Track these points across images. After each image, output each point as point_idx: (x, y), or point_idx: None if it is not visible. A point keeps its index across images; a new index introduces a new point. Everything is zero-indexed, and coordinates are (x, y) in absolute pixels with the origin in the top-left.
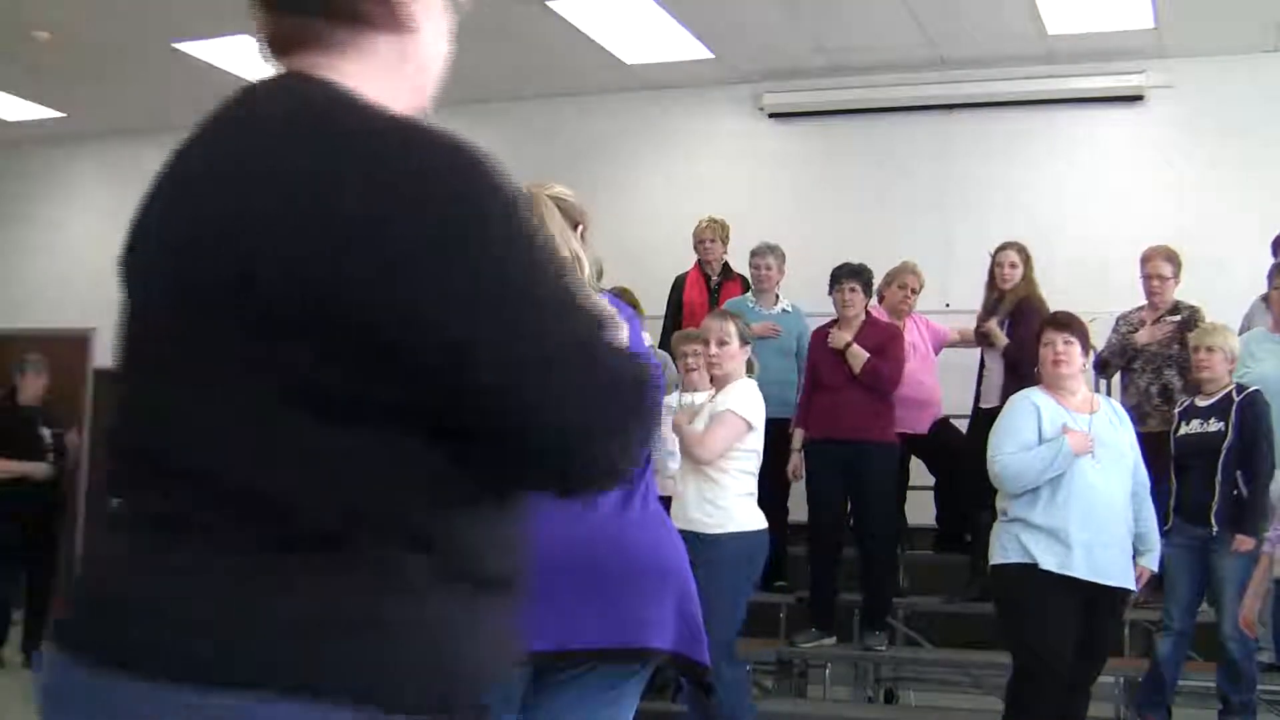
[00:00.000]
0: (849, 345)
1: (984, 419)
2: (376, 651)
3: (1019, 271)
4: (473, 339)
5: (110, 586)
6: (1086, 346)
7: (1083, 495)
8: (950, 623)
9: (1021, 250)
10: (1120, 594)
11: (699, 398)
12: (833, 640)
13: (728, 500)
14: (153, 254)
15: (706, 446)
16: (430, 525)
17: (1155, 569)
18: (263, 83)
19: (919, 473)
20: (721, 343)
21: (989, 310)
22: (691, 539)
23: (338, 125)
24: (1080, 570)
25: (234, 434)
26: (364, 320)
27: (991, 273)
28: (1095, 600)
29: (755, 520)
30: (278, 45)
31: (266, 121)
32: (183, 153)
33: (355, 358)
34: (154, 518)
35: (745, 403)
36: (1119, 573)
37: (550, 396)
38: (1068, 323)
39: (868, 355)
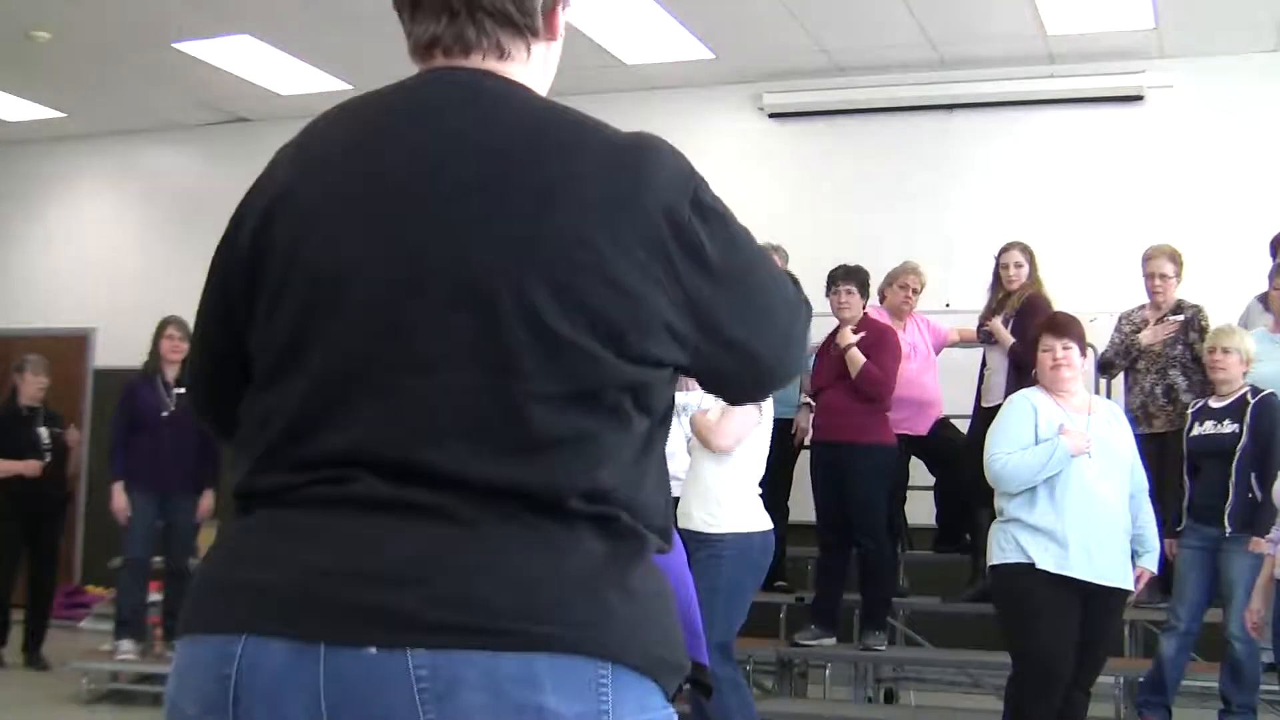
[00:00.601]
0: (850, 346)
1: (986, 417)
2: (643, 622)
3: (1024, 271)
4: (738, 318)
5: (397, 570)
6: (1084, 348)
7: (1080, 495)
8: (950, 623)
9: (1025, 249)
10: (1119, 594)
11: (692, 397)
12: (833, 640)
13: (732, 499)
14: (386, 245)
15: (723, 433)
16: (650, 500)
17: (1155, 570)
18: (462, 79)
19: (919, 473)
20: None
21: (993, 310)
22: (694, 537)
23: (600, 132)
24: (1078, 570)
25: (520, 429)
26: (655, 314)
27: (996, 273)
28: (1093, 600)
29: (760, 521)
30: (444, 48)
31: (524, 123)
32: (401, 145)
33: (631, 349)
34: (406, 507)
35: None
36: (1117, 573)
37: (779, 340)
38: (1065, 326)
39: (865, 360)
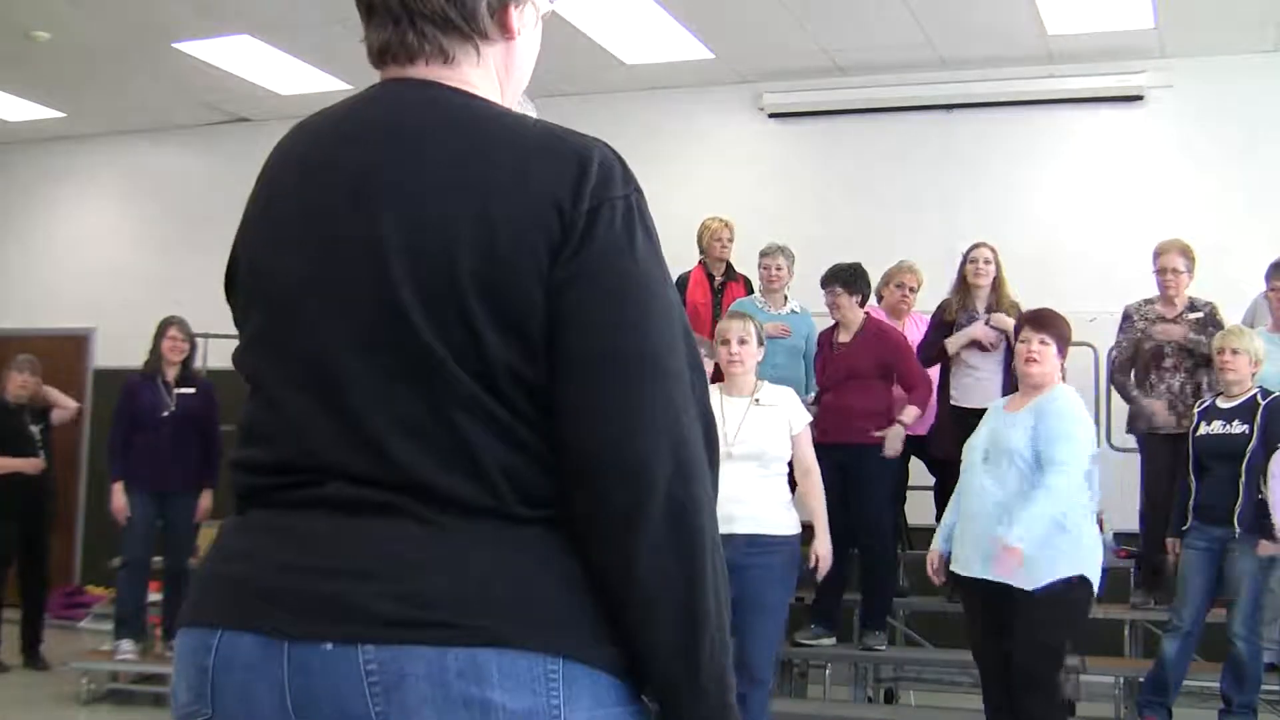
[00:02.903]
0: (898, 426)
1: (959, 417)
2: (604, 619)
3: (991, 268)
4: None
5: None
6: (1063, 348)
7: (971, 494)
8: (950, 623)
9: (994, 250)
10: (1026, 597)
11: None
12: (833, 640)
13: (786, 500)
14: (318, 270)
15: (815, 471)
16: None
17: (1014, 545)
18: (405, 91)
19: (919, 473)
20: (742, 341)
21: (957, 308)
22: (758, 541)
23: (517, 140)
24: (968, 569)
25: (457, 435)
26: (553, 315)
27: (962, 271)
28: (995, 601)
29: (798, 523)
30: (392, 55)
31: (456, 133)
32: (332, 159)
33: (542, 351)
34: (378, 507)
35: (805, 411)
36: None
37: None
38: (1047, 322)
39: (914, 408)
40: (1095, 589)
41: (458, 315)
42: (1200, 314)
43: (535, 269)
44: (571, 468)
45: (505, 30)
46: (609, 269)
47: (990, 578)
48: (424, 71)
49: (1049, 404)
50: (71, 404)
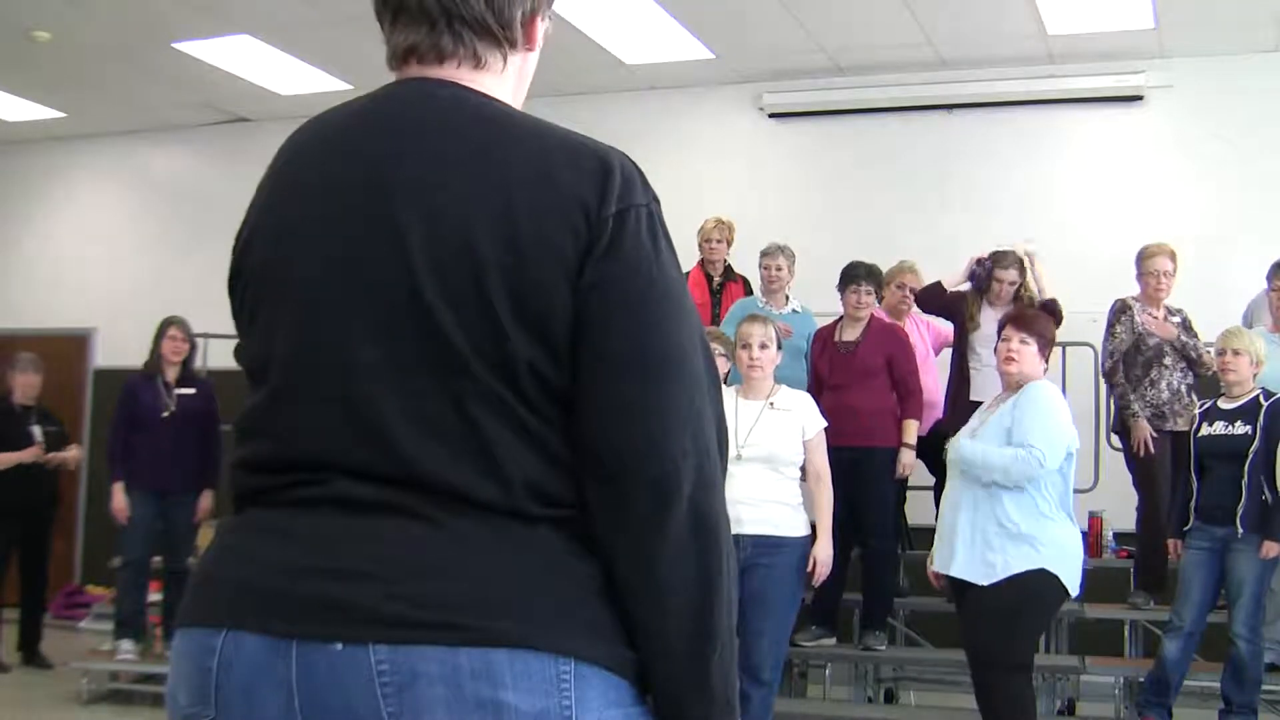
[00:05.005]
0: (909, 472)
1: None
2: (611, 619)
3: (1014, 288)
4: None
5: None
6: (1045, 348)
7: (949, 494)
8: (950, 623)
9: (1019, 266)
10: (977, 591)
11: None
12: (833, 640)
13: (796, 503)
14: (333, 263)
15: (826, 478)
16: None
17: (959, 450)
18: (425, 88)
19: (919, 473)
20: (763, 346)
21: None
22: (764, 542)
23: (541, 138)
24: (938, 565)
25: (473, 430)
26: (581, 316)
27: (991, 281)
28: (964, 598)
29: (808, 525)
30: (419, 56)
31: (476, 130)
32: (350, 152)
33: (563, 348)
34: (387, 507)
35: (819, 416)
36: (965, 567)
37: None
38: (1029, 321)
39: (913, 447)
40: (1065, 589)
41: (481, 309)
42: (1178, 319)
43: (561, 267)
44: (596, 468)
45: (529, 41)
46: (637, 274)
47: (972, 580)
48: (448, 73)
49: (1024, 397)
50: (73, 456)
